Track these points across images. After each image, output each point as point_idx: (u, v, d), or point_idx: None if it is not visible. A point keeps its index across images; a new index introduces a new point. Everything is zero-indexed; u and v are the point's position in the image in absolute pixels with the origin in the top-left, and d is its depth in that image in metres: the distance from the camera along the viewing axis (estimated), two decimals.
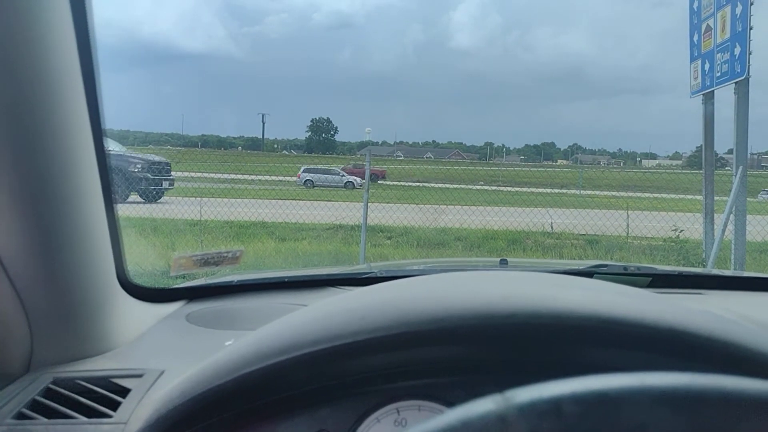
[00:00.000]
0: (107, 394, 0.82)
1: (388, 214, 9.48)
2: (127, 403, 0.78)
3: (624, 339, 0.64)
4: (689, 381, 0.39)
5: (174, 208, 9.78)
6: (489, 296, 0.69)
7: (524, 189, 14.04)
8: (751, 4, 6.11)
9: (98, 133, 0.94)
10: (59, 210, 0.86)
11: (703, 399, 0.38)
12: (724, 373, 0.61)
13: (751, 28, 6.07)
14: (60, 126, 0.85)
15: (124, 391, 0.82)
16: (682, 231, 8.14)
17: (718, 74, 6.72)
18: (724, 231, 6.14)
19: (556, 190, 15.81)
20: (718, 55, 6.69)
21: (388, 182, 14.22)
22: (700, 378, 0.39)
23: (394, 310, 0.68)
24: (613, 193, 15.02)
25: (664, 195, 13.13)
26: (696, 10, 7.34)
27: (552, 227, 10.12)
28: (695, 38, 7.40)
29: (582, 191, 17.31)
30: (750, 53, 6.07)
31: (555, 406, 0.38)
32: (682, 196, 12.22)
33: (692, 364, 0.62)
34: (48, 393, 0.82)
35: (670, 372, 0.63)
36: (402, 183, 15.48)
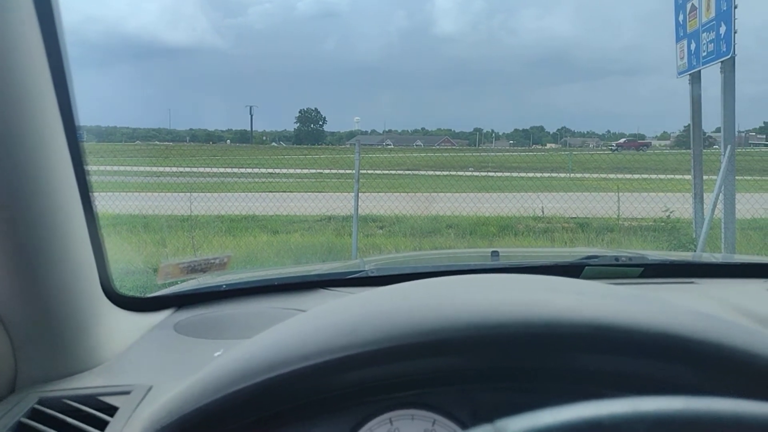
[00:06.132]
0: (95, 413, 0.80)
1: (379, 203, 9.46)
2: (114, 423, 0.77)
3: (617, 345, 0.63)
4: (683, 406, 0.38)
5: (164, 204, 9.71)
6: (480, 305, 0.67)
7: (514, 174, 14.04)
8: None
9: (73, 139, 0.90)
10: (36, 220, 0.83)
11: (697, 425, 0.37)
12: (717, 377, 0.61)
13: (735, 7, 6.06)
14: (33, 134, 0.81)
15: (111, 409, 0.81)
16: (672, 212, 8.18)
17: (704, 54, 6.71)
18: (713, 211, 6.17)
19: (546, 174, 15.84)
20: (704, 34, 6.68)
21: (378, 171, 14.15)
22: (694, 402, 0.38)
23: (385, 322, 0.67)
24: (603, 176, 15.06)
25: (653, 176, 13.18)
26: None
27: (543, 211, 10.14)
28: (680, 18, 7.38)
29: (572, 174, 17.34)
30: (735, 32, 6.07)
31: None
32: (671, 176, 12.28)
33: (685, 368, 0.61)
34: (34, 414, 0.80)
35: (664, 380, 0.63)
36: (393, 171, 15.44)
